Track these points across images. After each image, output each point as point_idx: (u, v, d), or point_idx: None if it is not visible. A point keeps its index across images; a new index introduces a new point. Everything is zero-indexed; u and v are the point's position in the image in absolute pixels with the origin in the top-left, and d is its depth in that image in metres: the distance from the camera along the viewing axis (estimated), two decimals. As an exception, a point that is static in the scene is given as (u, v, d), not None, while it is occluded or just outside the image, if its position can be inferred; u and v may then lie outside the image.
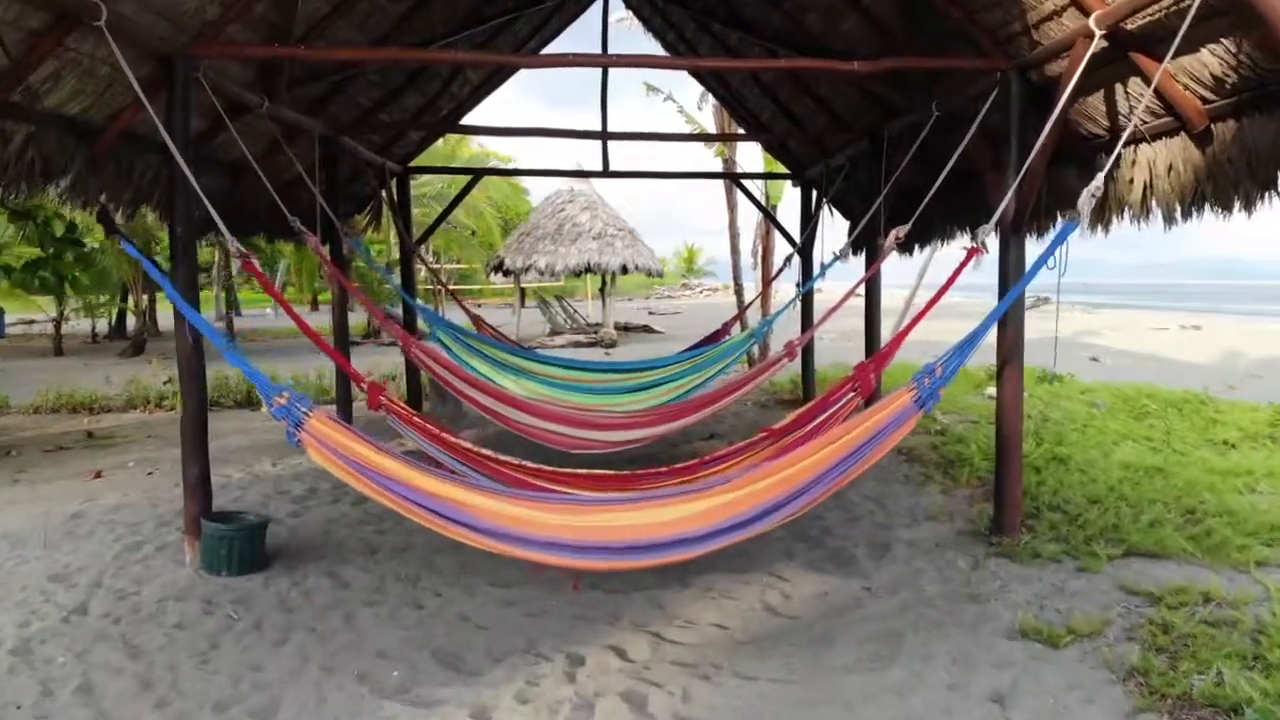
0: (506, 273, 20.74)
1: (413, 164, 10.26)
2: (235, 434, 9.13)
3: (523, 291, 28.32)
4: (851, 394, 4.06)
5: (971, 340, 3.44)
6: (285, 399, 3.33)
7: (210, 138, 6.26)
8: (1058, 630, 3.96)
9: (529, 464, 4.00)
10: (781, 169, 11.58)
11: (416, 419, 4.20)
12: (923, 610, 4.31)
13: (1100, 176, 3.49)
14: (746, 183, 11.64)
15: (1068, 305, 39.88)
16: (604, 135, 8.47)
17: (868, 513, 5.88)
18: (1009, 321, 5.19)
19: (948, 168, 5.35)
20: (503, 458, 4.04)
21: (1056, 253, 3.57)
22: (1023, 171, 4.46)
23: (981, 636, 3.98)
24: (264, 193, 6.13)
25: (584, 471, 4.04)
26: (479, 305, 37.56)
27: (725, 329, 8.27)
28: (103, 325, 22.26)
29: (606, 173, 9.77)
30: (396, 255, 10.33)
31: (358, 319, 22.54)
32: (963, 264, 4.23)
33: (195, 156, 6.47)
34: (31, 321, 25.31)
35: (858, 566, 4.93)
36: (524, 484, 3.98)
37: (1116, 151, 4.03)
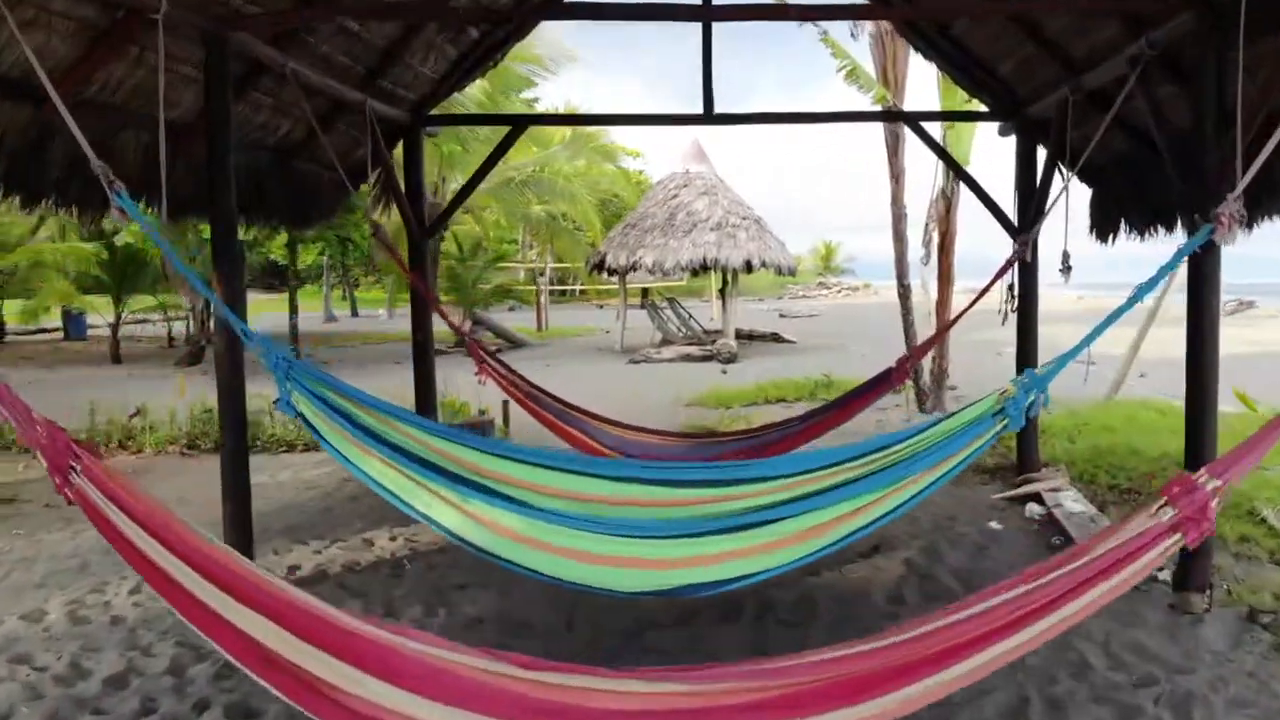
0: (610, 271, 17.54)
1: (433, 112, 7.08)
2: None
3: (645, 292, 24.97)
4: None
5: None
6: None
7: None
8: None
9: None
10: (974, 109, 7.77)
11: None
12: None
13: None
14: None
15: (1248, 307, 30.79)
16: (708, 11, 5.06)
17: None
18: None
19: None
20: None
21: None
22: None
23: None
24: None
25: None
26: (601, 307, 34.17)
27: (903, 370, 4.65)
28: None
29: (710, 116, 6.33)
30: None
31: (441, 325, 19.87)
32: None
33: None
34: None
35: None
36: None
37: None
